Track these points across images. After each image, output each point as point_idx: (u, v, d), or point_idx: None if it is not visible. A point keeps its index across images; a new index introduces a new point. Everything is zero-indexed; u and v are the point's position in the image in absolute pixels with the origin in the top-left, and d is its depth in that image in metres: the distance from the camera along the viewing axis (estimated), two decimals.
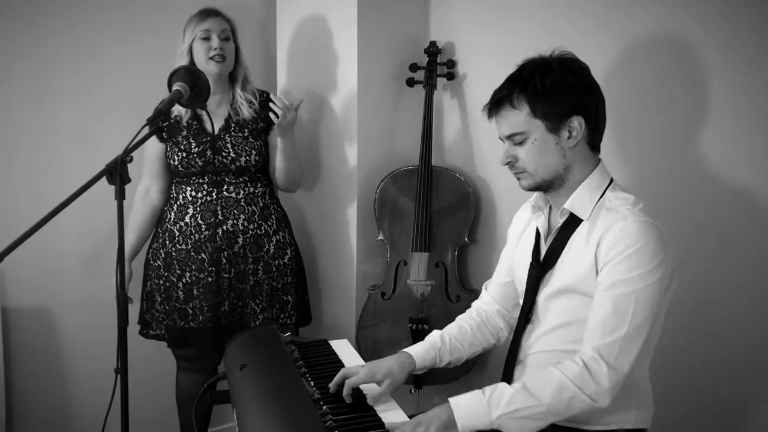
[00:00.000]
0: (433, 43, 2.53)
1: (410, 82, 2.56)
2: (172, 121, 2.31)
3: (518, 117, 1.49)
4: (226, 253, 2.29)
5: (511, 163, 1.55)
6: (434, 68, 2.52)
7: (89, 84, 2.48)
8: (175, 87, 1.88)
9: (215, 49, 2.24)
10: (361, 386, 1.56)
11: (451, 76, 2.53)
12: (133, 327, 2.37)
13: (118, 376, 1.73)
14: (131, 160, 1.69)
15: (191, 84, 1.89)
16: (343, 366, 1.71)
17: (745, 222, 1.80)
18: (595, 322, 1.42)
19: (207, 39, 2.25)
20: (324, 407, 1.41)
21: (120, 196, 1.68)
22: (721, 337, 1.86)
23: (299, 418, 1.37)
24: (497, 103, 1.53)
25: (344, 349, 1.84)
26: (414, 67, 2.55)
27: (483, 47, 2.44)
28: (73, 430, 2.59)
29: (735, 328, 1.84)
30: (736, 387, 1.85)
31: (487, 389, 1.41)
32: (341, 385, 1.55)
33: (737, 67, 1.78)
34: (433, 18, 2.63)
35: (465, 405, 1.40)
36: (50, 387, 2.54)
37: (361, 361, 1.75)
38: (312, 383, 1.57)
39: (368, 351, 2.47)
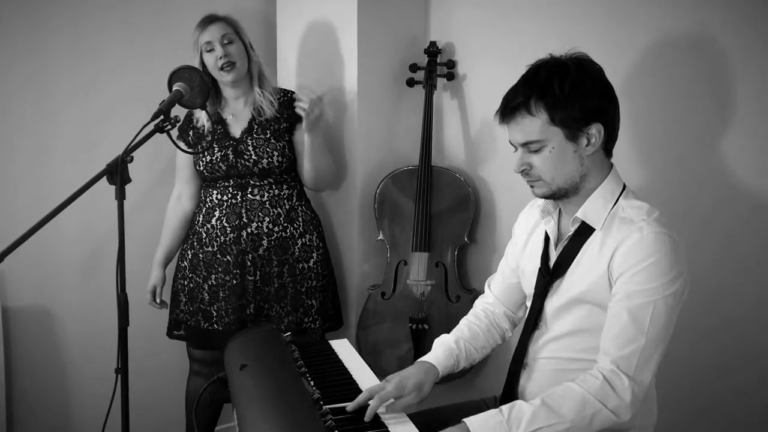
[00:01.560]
0: (433, 44, 2.53)
1: (410, 83, 2.56)
2: (201, 129, 2.33)
3: (535, 124, 1.43)
4: (250, 255, 2.30)
5: (526, 171, 1.49)
6: (434, 68, 2.52)
7: (89, 84, 2.48)
8: (175, 87, 1.88)
9: (221, 57, 2.23)
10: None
11: (451, 77, 2.53)
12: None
13: (118, 376, 1.73)
14: (131, 160, 1.69)
15: (192, 84, 1.89)
16: (343, 365, 1.71)
17: (747, 221, 1.79)
18: (612, 334, 1.39)
19: (211, 50, 2.25)
20: (324, 407, 1.41)
21: (120, 196, 1.68)
22: (724, 338, 1.86)
23: (299, 417, 1.37)
24: (513, 110, 1.45)
25: (344, 349, 1.83)
26: (414, 68, 2.55)
27: (483, 47, 2.44)
28: (73, 431, 2.59)
29: (738, 329, 1.83)
30: (738, 388, 1.84)
31: (505, 408, 1.36)
32: (362, 404, 1.46)
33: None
34: (433, 18, 2.63)
35: (483, 426, 1.34)
36: (50, 387, 2.54)
37: (361, 361, 1.75)
38: (312, 383, 1.56)
39: (368, 351, 2.47)
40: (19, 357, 2.45)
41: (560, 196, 1.50)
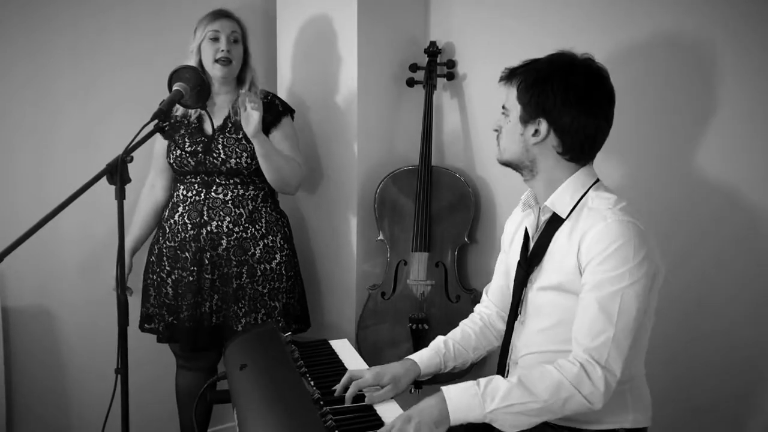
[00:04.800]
0: (433, 44, 2.54)
1: (410, 83, 2.56)
2: (179, 119, 2.32)
3: (511, 94, 1.54)
4: (208, 254, 2.29)
5: (497, 132, 1.60)
6: (434, 68, 2.52)
7: (89, 84, 2.48)
8: (175, 87, 1.88)
9: (222, 51, 2.23)
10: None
11: (450, 77, 2.53)
12: (134, 324, 2.39)
13: (118, 376, 1.73)
14: (131, 160, 1.69)
15: (192, 84, 1.89)
16: (343, 366, 1.71)
17: (744, 223, 1.80)
18: (583, 324, 1.42)
19: (216, 40, 2.25)
20: (324, 407, 1.42)
21: (120, 196, 1.69)
22: (719, 337, 1.86)
23: (299, 417, 1.37)
24: (507, 75, 1.57)
25: (344, 349, 1.84)
26: (414, 68, 2.55)
27: (483, 47, 2.44)
28: (73, 430, 2.59)
29: (733, 328, 1.84)
30: (735, 387, 1.85)
31: (482, 381, 1.41)
32: (347, 387, 1.55)
33: (738, 67, 1.77)
34: (433, 18, 2.63)
35: (458, 397, 1.39)
36: (50, 387, 2.54)
37: (361, 361, 1.75)
38: (312, 383, 1.57)
39: (368, 351, 2.47)
40: (19, 357, 2.45)
41: (513, 168, 1.59)
